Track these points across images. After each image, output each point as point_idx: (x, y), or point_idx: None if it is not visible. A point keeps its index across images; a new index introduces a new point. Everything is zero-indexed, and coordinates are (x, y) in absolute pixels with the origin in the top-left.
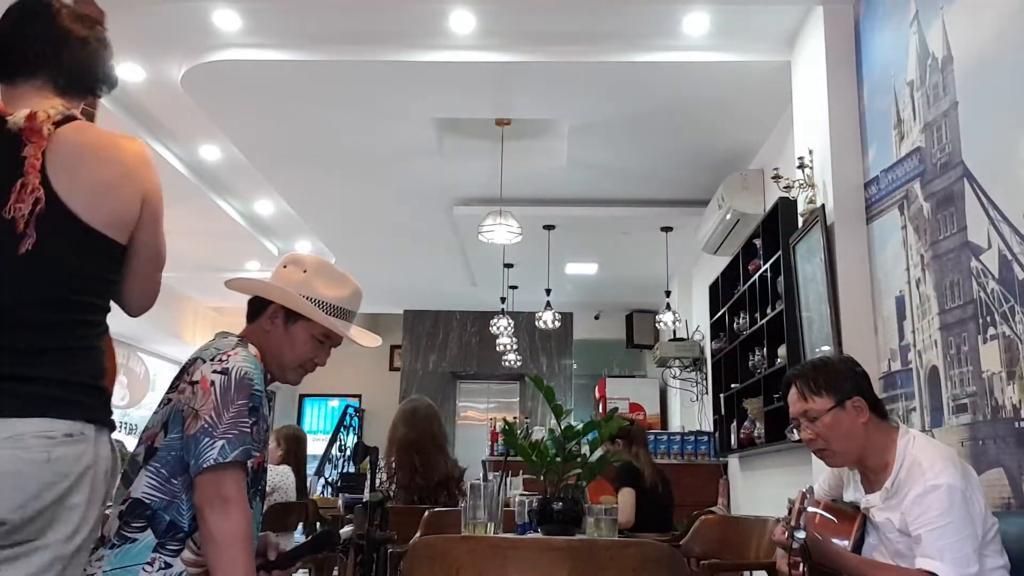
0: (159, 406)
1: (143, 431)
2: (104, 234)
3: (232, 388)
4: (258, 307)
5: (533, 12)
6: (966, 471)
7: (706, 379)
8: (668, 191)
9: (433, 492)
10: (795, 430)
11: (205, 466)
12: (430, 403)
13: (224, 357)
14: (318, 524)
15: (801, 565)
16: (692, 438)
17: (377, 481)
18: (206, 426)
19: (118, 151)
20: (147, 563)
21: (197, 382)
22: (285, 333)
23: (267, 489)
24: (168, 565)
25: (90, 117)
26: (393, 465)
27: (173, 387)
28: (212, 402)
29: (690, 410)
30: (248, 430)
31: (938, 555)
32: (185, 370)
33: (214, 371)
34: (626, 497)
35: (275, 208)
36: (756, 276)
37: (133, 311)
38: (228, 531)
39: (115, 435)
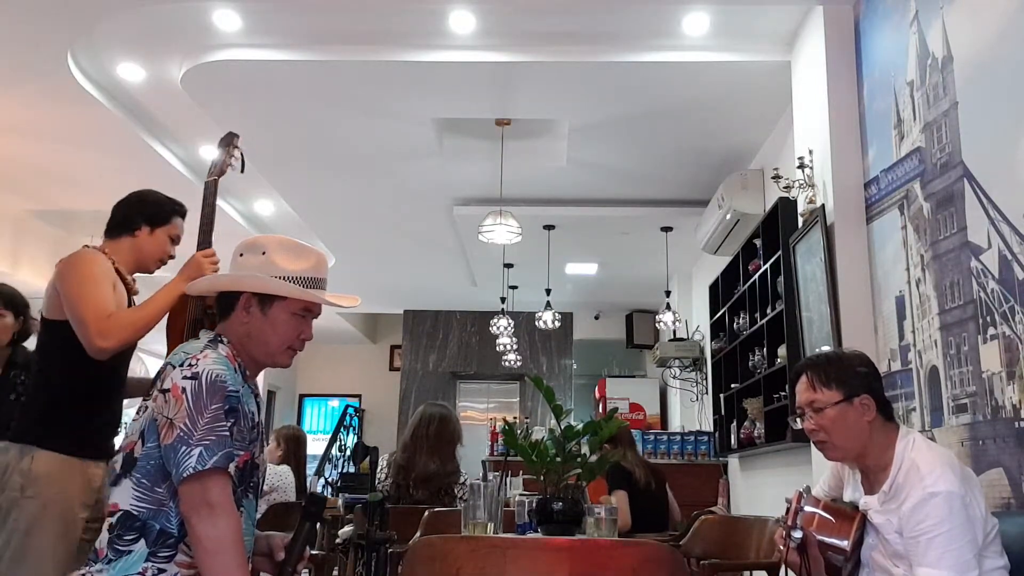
0: (137, 413)
1: (123, 439)
2: (46, 317)
3: (204, 393)
4: (228, 302)
5: (533, 12)
6: (965, 475)
7: (706, 379)
8: (668, 191)
9: (415, 487)
10: (799, 419)
11: (186, 475)
12: (438, 408)
13: (193, 361)
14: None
15: (800, 566)
16: (692, 438)
17: (377, 480)
18: (182, 434)
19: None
20: (139, 573)
21: (168, 390)
22: (264, 319)
23: (266, 488)
24: (161, 571)
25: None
26: (389, 464)
27: (148, 394)
28: (185, 409)
29: (690, 410)
30: (226, 433)
31: (937, 563)
32: (158, 376)
33: (184, 377)
34: (620, 500)
35: (275, 208)
36: (756, 276)
37: (89, 353)
38: (217, 537)
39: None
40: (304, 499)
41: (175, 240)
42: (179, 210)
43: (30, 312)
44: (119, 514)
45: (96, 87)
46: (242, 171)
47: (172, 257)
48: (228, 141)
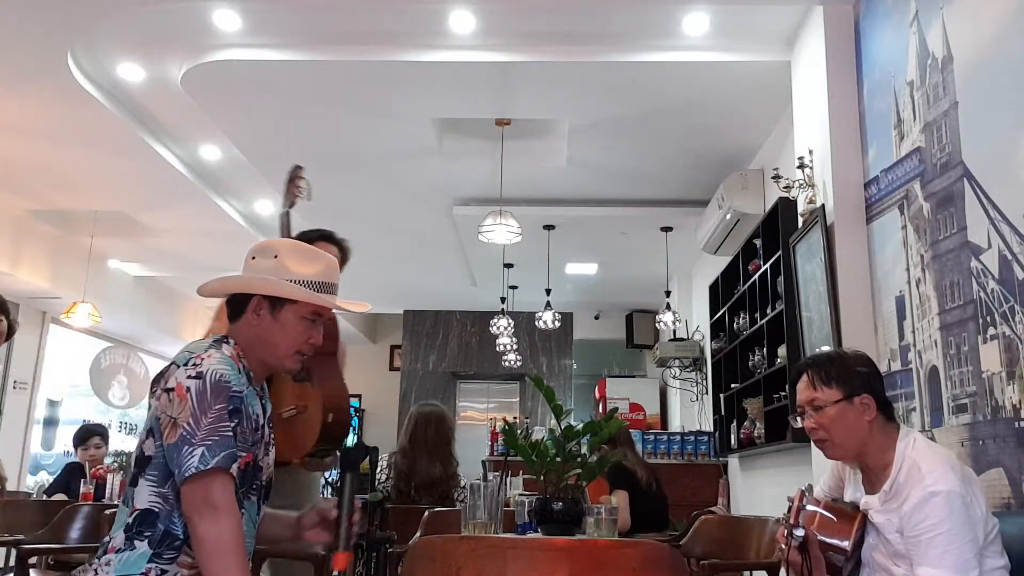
0: (148, 411)
1: (138, 438)
2: None
3: (208, 392)
4: (239, 304)
5: (533, 12)
6: (966, 475)
7: (706, 379)
8: (668, 191)
9: (418, 492)
10: (799, 418)
11: (188, 474)
12: (432, 408)
13: (197, 361)
14: None
15: (802, 565)
16: (692, 438)
17: (377, 482)
18: (185, 434)
19: None
20: (142, 573)
21: (172, 389)
22: (274, 322)
23: None
24: (163, 572)
25: None
26: (390, 465)
27: (152, 393)
28: (189, 409)
29: (690, 410)
30: (230, 433)
31: (938, 562)
32: (161, 375)
33: (188, 376)
34: (620, 499)
35: (275, 208)
36: (756, 276)
37: None
38: (218, 537)
39: (113, 435)
40: (339, 452)
41: None
42: (323, 235)
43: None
44: (136, 513)
45: (96, 87)
46: (309, 199)
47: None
48: (293, 174)
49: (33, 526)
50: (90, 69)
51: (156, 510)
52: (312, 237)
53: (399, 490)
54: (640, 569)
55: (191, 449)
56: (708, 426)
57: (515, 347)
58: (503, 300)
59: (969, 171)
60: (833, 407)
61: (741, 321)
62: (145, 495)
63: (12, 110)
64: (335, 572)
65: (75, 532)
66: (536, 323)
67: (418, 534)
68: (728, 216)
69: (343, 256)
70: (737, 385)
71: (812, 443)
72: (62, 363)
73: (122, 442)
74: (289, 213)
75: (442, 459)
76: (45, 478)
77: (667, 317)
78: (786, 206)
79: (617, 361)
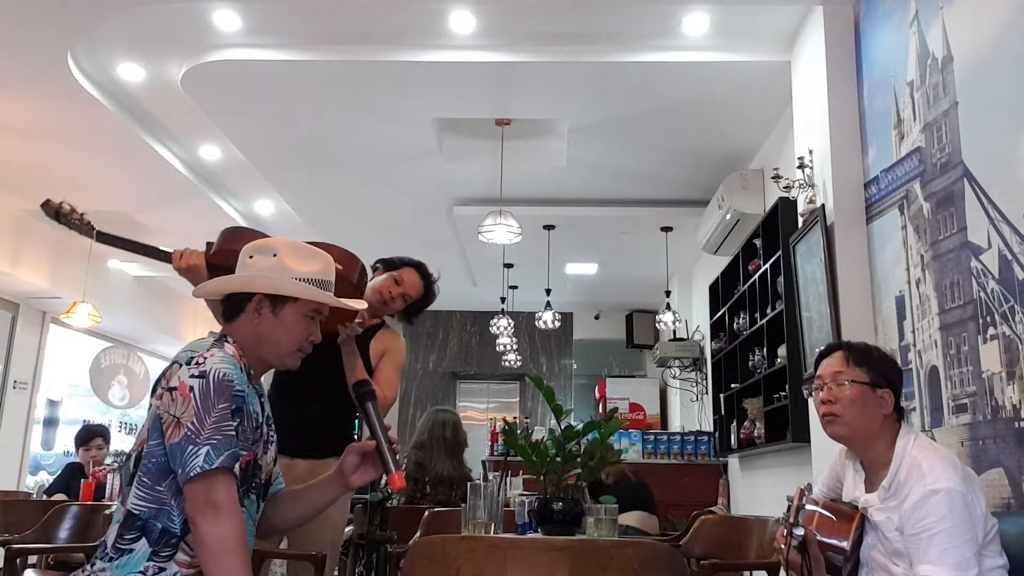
0: (148, 412)
1: (136, 439)
2: None
3: (212, 392)
4: (237, 303)
5: (533, 12)
6: (967, 474)
7: (706, 379)
8: (668, 191)
9: (434, 487)
10: (813, 392)
11: (192, 474)
12: (449, 413)
13: (200, 360)
14: None
15: (801, 565)
16: (692, 438)
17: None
18: (189, 433)
19: None
20: (140, 571)
21: (175, 388)
22: (276, 320)
23: None
24: (161, 570)
25: None
26: (404, 461)
27: (153, 392)
28: (193, 408)
29: (690, 410)
30: (232, 433)
31: (938, 560)
32: (163, 375)
33: (192, 376)
34: None
35: (275, 208)
36: (756, 276)
37: None
38: (221, 538)
39: (114, 435)
40: (352, 388)
41: (399, 281)
42: (415, 264)
43: None
44: (135, 511)
45: (96, 87)
46: (83, 218)
47: (393, 298)
48: (56, 213)
49: (31, 527)
50: (90, 69)
51: (154, 508)
52: (399, 263)
53: (415, 479)
54: (640, 569)
55: (196, 449)
56: (708, 426)
57: (515, 347)
58: (503, 300)
59: (969, 171)
60: (856, 386)
61: (741, 321)
62: (144, 493)
63: (12, 110)
64: (395, 492)
65: (64, 532)
66: (536, 323)
67: (418, 534)
68: (728, 216)
69: (427, 296)
70: (737, 385)
71: (812, 443)
72: (62, 363)
73: (122, 442)
74: (97, 233)
75: (457, 460)
76: (45, 478)
77: (667, 317)
78: (786, 206)
79: (617, 361)
